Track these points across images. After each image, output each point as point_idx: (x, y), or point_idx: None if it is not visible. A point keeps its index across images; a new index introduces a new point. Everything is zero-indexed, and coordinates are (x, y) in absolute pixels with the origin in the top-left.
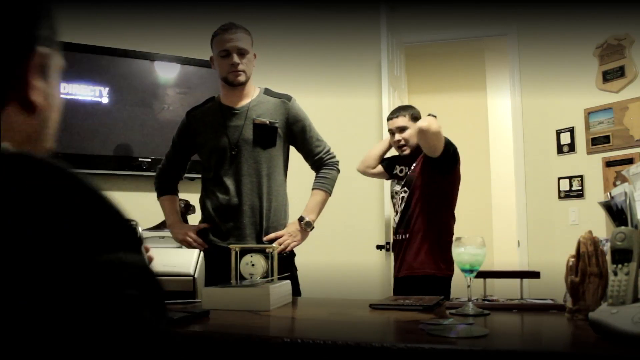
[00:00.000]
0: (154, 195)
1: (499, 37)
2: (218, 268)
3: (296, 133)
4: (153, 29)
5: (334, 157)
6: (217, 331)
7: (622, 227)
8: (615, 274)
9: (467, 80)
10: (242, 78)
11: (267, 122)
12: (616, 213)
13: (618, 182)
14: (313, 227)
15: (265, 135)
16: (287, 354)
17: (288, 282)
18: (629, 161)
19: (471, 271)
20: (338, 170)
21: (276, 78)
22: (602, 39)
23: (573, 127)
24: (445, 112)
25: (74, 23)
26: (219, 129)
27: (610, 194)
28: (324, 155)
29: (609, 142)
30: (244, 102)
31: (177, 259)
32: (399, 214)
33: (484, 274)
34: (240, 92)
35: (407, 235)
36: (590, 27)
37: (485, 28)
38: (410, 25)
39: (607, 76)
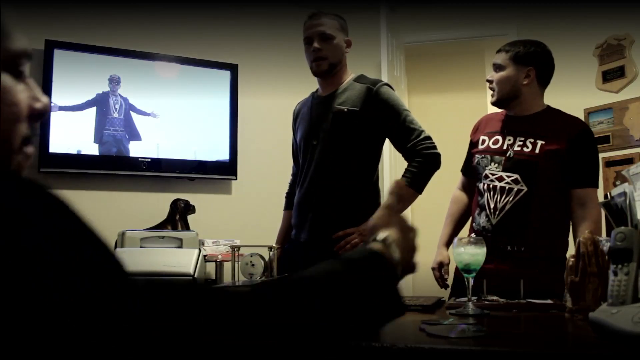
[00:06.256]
0: (154, 195)
1: (499, 37)
2: (289, 260)
3: (382, 122)
4: (153, 29)
5: (429, 147)
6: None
7: (622, 227)
8: (615, 274)
9: (467, 80)
10: (324, 66)
11: (345, 109)
12: (616, 213)
13: (618, 182)
14: None
15: (343, 124)
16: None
17: None
18: (629, 161)
19: (471, 271)
20: (432, 163)
21: (275, 77)
22: (602, 39)
23: None
24: (445, 112)
25: (74, 23)
26: (306, 120)
27: (610, 194)
28: (415, 144)
29: (609, 142)
30: (332, 90)
31: (177, 259)
32: (497, 212)
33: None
34: (331, 81)
35: (523, 249)
36: (590, 27)
37: (485, 28)
38: (410, 26)
39: (607, 76)
